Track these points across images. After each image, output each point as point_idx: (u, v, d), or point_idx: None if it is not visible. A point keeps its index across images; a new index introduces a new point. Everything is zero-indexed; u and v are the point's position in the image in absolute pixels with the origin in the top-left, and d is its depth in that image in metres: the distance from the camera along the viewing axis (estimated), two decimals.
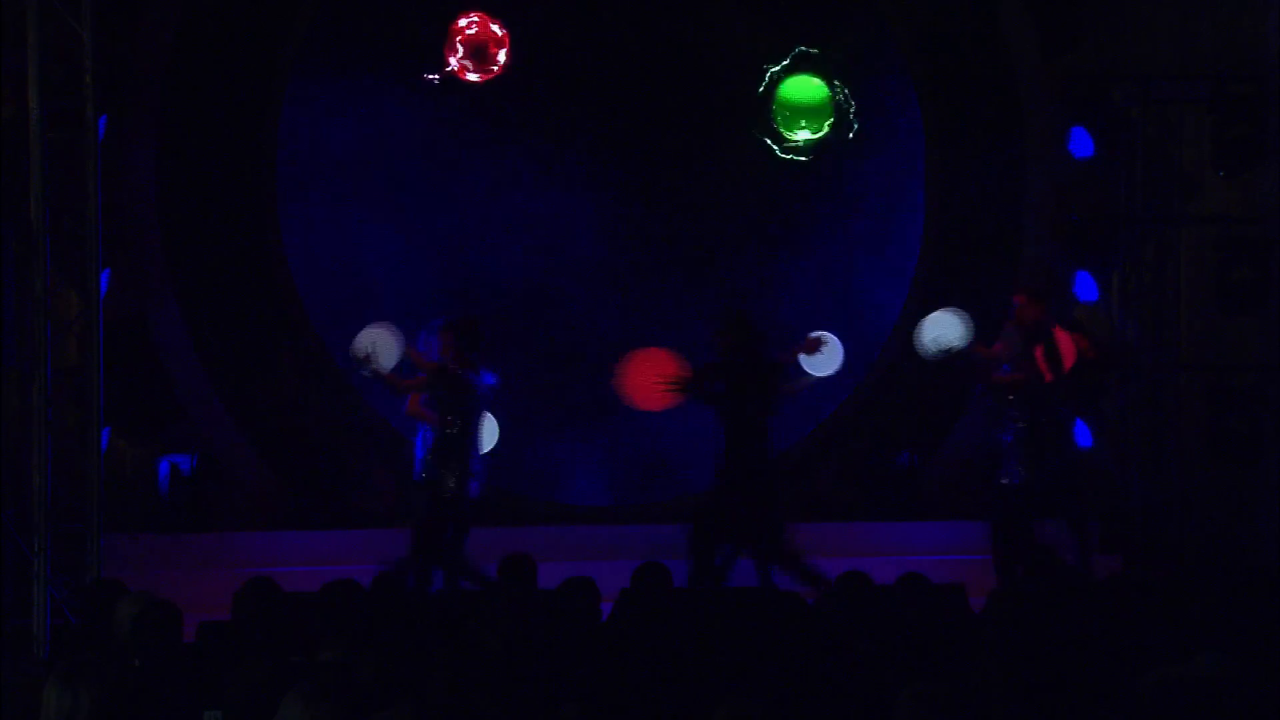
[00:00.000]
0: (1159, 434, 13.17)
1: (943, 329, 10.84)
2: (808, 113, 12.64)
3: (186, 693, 5.85)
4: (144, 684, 5.84)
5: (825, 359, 10.87)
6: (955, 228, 13.51)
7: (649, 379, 10.67)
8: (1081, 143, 12.95)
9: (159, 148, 12.41)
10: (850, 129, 12.93)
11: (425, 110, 12.95)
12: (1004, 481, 10.77)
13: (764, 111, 12.76)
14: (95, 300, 10.51)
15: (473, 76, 12.33)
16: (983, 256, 13.49)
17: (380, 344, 10.69)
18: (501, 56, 12.25)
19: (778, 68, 12.92)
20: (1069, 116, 13.01)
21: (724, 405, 10.44)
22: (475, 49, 12.11)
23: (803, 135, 12.73)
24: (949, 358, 10.81)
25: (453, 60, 12.17)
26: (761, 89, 12.91)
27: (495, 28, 12.24)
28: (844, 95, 12.68)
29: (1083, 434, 12.77)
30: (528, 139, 13.21)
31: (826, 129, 12.76)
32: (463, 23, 12.19)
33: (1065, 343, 10.93)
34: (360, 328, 12.75)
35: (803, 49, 12.93)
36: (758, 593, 10.11)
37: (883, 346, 13.46)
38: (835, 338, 11.08)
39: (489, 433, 11.14)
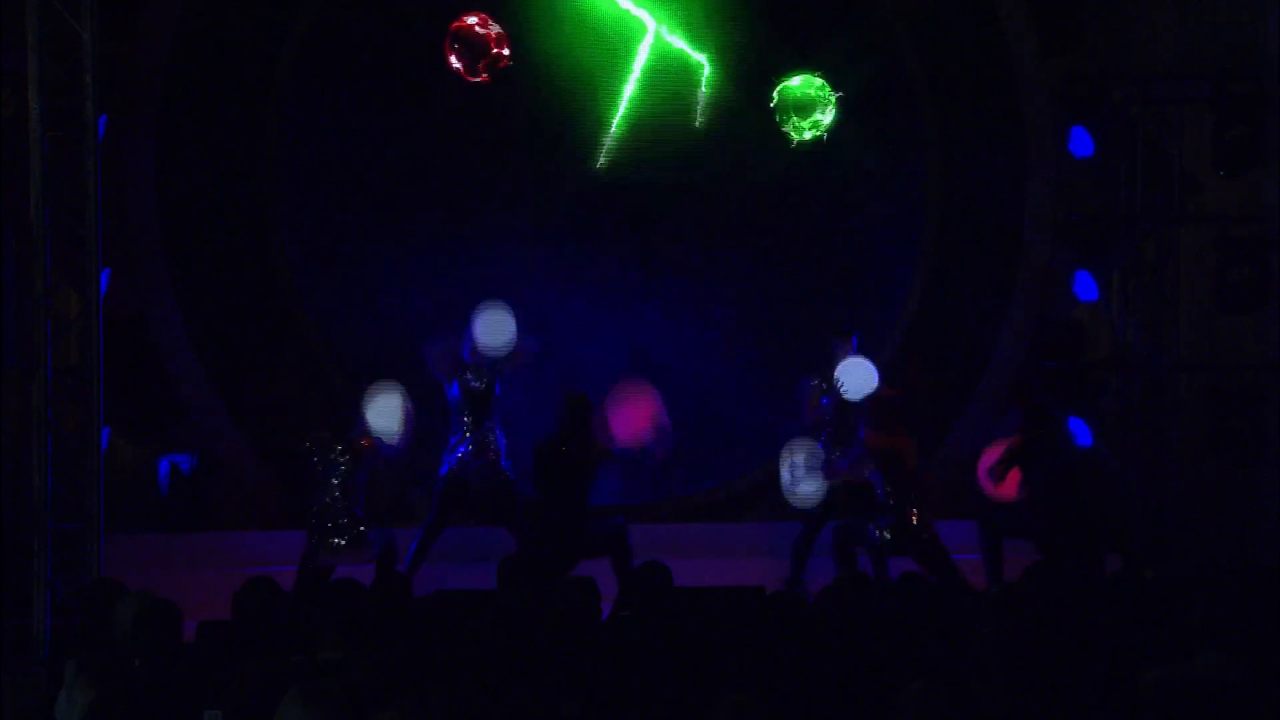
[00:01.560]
0: (1159, 434, 13.17)
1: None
2: (808, 110, 12.60)
3: (186, 693, 5.86)
4: (144, 684, 5.85)
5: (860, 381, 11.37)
6: (955, 228, 13.51)
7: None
8: (1081, 143, 12.94)
9: (159, 148, 12.41)
10: (850, 125, 12.88)
11: (426, 110, 12.94)
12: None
13: (768, 112, 12.71)
14: (95, 300, 10.51)
15: (474, 76, 12.30)
16: (983, 256, 13.49)
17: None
18: (503, 58, 12.21)
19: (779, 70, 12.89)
20: (1069, 116, 13.00)
21: (543, 478, 10.98)
22: (476, 50, 12.08)
23: (807, 134, 12.68)
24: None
25: (453, 61, 12.14)
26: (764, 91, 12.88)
27: (496, 28, 12.20)
28: (843, 92, 12.63)
29: (1082, 434, 12.78)
30: (529, 140, 13.19)
31: (827, 125, 12.71)
32: (463, 23, 12.16)
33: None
34: (360, 327, 12.77)
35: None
36: (758, 592, 10.13)
37: (882, 346, 13.45)
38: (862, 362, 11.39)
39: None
